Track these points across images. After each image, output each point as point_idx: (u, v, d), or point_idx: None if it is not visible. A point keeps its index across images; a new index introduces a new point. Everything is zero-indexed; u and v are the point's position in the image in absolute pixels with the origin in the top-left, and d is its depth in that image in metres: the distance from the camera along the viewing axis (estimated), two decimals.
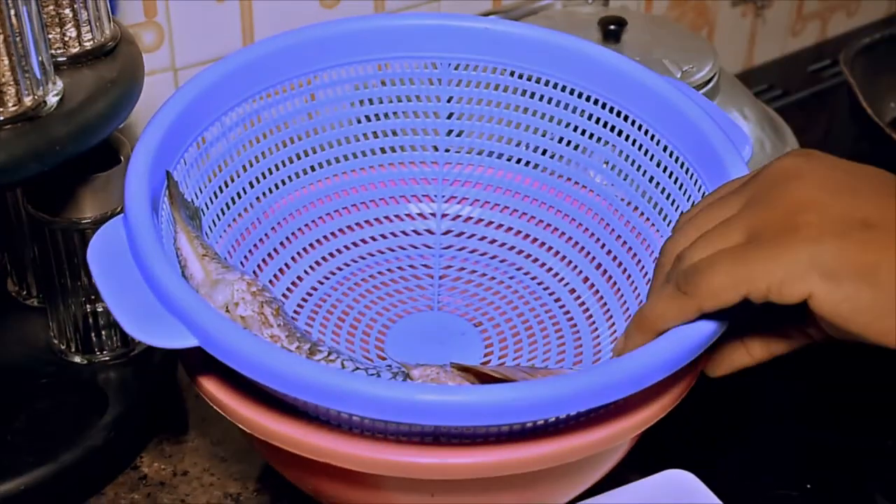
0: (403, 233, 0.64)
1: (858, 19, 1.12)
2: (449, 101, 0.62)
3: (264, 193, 0.60)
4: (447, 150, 0.63)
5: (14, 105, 0.46)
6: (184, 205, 0.52)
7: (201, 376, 0.46)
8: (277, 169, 0.60)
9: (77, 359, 0.59)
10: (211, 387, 0.46)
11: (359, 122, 0.62)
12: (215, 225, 0.56)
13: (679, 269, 0.46)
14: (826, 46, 1.08)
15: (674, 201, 0.56)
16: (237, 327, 0.43)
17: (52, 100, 0.48)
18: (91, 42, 0.51)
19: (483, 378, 0.48)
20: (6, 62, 0.45)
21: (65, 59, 0.50)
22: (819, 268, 0.42)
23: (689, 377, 0.48)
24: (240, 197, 0.58)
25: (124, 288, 0.45)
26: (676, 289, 0.45)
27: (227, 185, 0.57)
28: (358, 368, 0.47)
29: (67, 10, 0.49)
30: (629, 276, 0.59)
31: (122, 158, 0.56)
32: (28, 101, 0.46)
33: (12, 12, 0.44)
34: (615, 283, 0.59)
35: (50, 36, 0.50)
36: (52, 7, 0.49)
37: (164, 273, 0.45)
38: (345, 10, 0.79)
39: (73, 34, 0.50)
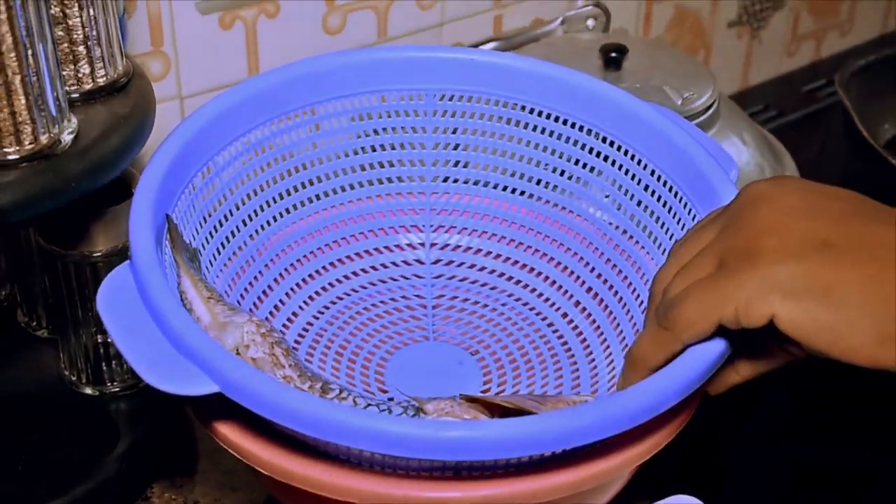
0: (394, 263, 0.64)
1: (852, 39, 1.13)
2: (435, 131, 0.62)
3: (257, 231, 0.60)
4: (434, 180, 0.64)
5: (30, 143, 0.46)
6: (184, 247, 0.52)
7: (217, 422, 0.46)
8: (269, 206, 0.60)
9: (88, 390, 0.60)
10: (228, 432, 0.46)
11: (346, 155, 0.62)
12: (212, 263, 0.56)
13: (661, 304, 0.47)
14: (821, 66, 1.10)
15: (666, 228, 0.57)
16: (258, 372, 0.44)
17: (67, 137, 0.48)
18: (104, 78, 0.51)
19: (492, 408, 0.48)
20: (23, 101, 0.45)
21: (78, 95, 0.51)
22: (780, 289, 0.43)
23: (694, 402, 0.49)
24: (234, 235, 0.58)
25: (139, 337, 0.45)
26: (658, 325, 0.47)
27: (221, 225, 0.57)
28: (370, 405, 0.47)
29: (81, 48, 0.50)
30: (623, 302, 0.59)
31: (133, 192, 0.56)
32: (44, 139, 0.47)
33: (29, 52, 0.45)
34: (610, 310, 0.60)
35: (64, 73, 0.50)
36: (66, 45, 0.50)
37: (181, 322, 0.45)
38: (348, 37, 0.79)
39: (87, 71, 0.51)
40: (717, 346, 0.46)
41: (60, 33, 0.50)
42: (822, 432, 0.64)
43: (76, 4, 0.49)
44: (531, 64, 0.61)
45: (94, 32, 0.50)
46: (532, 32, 0.77)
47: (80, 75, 0.51)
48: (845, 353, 0.43)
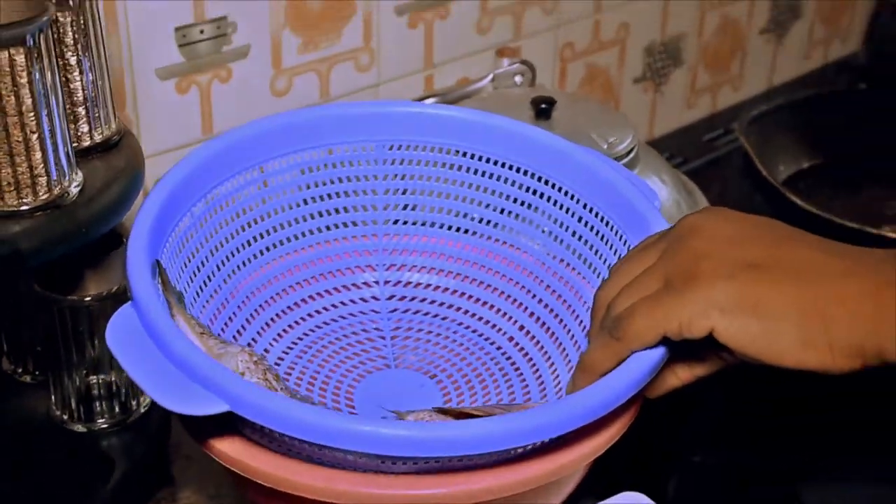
0: (352, 301, 0.70)
1: (743, 92, 1.24)
2: (385, 178, 0.69)
3: (230, 275, 0.65)
4: (385, 223, 0.70)
5: (45, 194, 0.52)
6: (171, 289, 0.58)
7: (217, 440, 0.51)
8: (237, 253, 0.65)
9: (78, 427, 0.64)
10: (229, 448, 0.51)
11: (305, 203, 0.68)
12: (193, 304, 0.61)
13: (609, 317, 0.54)
14: (717, 118, 1.20)
15: (601, 255, 0.64)
16: (264, 390, 0.50)
17: (75, 189, 0.54)
18: (101, 136, 0.57)
19: (463, 417, 0.55)
20: (39, 156, 0.51)
21: (79, 151, 0.56)
22: (717, 306, 0.50)
23: (638, 402, 0.56)
24: (210, 279, 0.63)
25: (150, 367, 0.50)
26: (609, 335, 0.54)
27: (199, 270, 0.62)
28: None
29: (81, 109, 0.56)
30: (564, 323, 0.66)
31: (123, 240, 0.61)
32: (57, 190, 0.52)
33: (45, 112, 0.50)
34: (552, 332, 0.66)
35: None
36: (68, 106, 0.55)
37: (188, 350, 0.50)
38: (294, 99, 0.86)
39: (86, 129, 0.56)
40: (657, 353, 0.53)
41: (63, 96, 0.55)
42: (756, 437, 0.71)
43: (77, 69, 0.54)
44: (473, 114, 0.68)
45: (93, 95, 0.56)
46: (465, 89, 0.85)
47: (79, 133, 0.56)
48: (774, 357, 0.50)
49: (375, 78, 0.91)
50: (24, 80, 0.49)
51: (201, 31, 0.79)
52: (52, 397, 0.64)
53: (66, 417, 0.64)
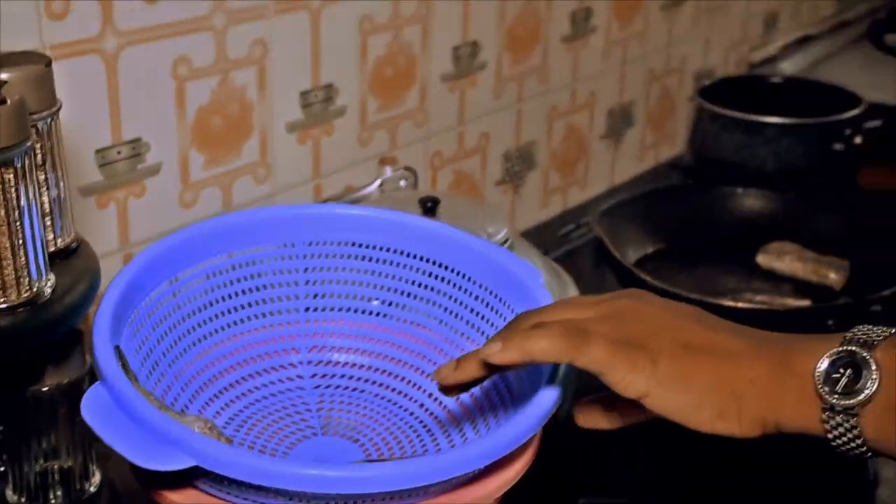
0: (280, 381, 0.79)
1: (589, 192, 1.39)
2: (306, 271, 0.79)
3: (174, 360, 0.73)
4: (307, 310, 0.80)
5: (27, 292, 0.59)
6: (130, 371, 0.66)
7: (174, 494, 0.59)
8: (180, 340, 0.73)
9: None
10: (187, 499, 0.60)
11: (237, 295, 0.77)
12: (145, 386, 0.69)
13: (526, 323, 0.62)
14: (569, 214, 1.34)
15: (495, 326, 0.75)
16: (228, 446, 0.58)
17: (48, 289, 0.61)
18: (63, 243, 0.65)
19: None
20: (23, 260, 0.59)
21: None
22: (654, 377, 0.59)
23: (534, 444, 0.65)
24: (158, 365, 0.71)
25: (123, 434, 0.58)
26: (516, 334, 0.60)
27: (149, 356, 0.70)
28: None
29: (48, 219, 0.64)
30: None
31: (81, 333, 0.69)
32: (35, 289, 0.60)
33: (28, 221, 0.58)
34: (457, 396, 0.77)
35: None
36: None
37: (156, 416, 0.58)
38: (200, 209, 0.95)
39: (51, 237, 0.64)
40: (543, 409, 0.63)
41: None
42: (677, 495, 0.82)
43: (45, 185, 0.63)
44: (377, 212, 0.79)
45: (57, 209, 0.64)
46: (355, 194, 0.96)
47: (46, 240, 0.64)
48: (693, 424, 0.60)
49: (271, 188, 1.01)
50: (12, 195, 0.57)
51: (118, 152, 0.88)
52: (11, 483, 0.70)
53: (23, 500, 0.70)
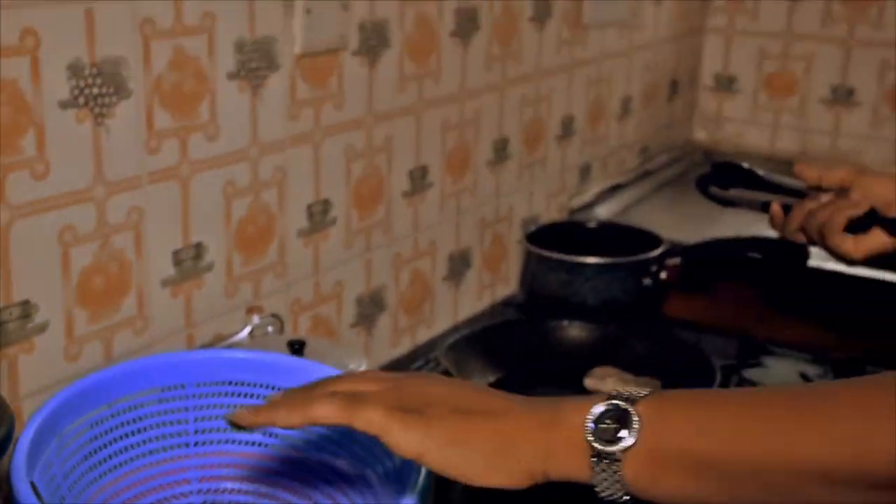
0: None
1: (435, 329, 1.52)
2: (196, 409, 0.89)
3: (80, 493, 0.81)
4: (196, 445, 0.89)
5: None
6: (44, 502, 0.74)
7: None
8: (83, 476, 0.82)
9: None
10: None
11: (133, 434, 0.86)
12: None
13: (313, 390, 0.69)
14: (418, 350, 1.46)
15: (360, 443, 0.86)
16: None
17: None
18: None
19: None
20: None
21: None
22: (428, 437, 0.64)
23: None
24: (64, 500, 0.80)
25: None
26: (300, 399, 0.67)
27: (58, 489, 0.78)
28: None
29: None
30: None
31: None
32: None
33: None
34: None
35: None
36: None
37: None
38: (83, 363, 1.03)
39: None
40: None
41: None
42: None
43: None
44: (255, 354, 0.90)
45: None
46: (229, 340, 1.06)
47: None
48: (468, 478, 0.65)
49: (149, 339, 1.10)
50: None
51: (10, 314, 0.96)
52: None
53: None
